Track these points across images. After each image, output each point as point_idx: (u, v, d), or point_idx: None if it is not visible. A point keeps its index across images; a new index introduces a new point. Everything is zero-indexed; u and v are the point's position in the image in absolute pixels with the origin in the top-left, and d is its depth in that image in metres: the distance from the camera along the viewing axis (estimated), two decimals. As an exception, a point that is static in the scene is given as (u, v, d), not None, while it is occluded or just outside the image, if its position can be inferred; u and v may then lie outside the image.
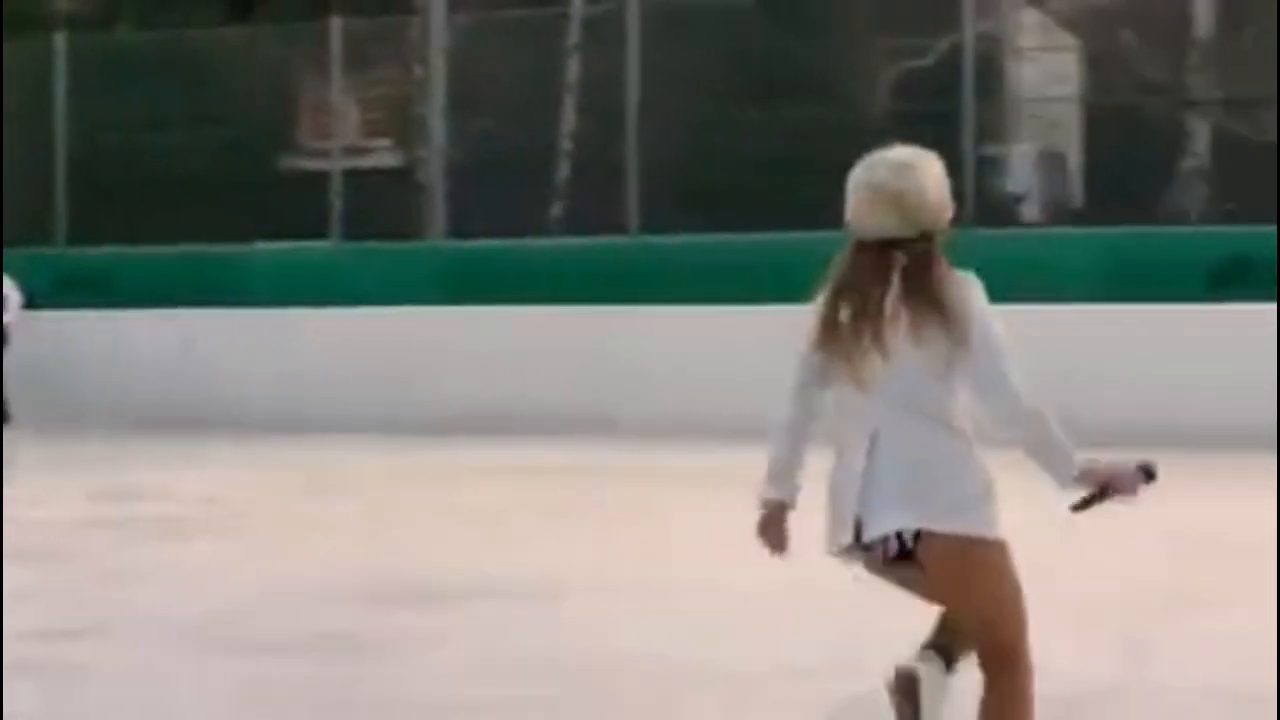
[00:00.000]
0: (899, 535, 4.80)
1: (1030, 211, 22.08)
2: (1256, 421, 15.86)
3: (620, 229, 19.37)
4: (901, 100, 20.71)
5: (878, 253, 4.91)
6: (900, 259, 4.87)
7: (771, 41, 20.48)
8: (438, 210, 20.90)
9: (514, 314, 18.65)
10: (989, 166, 21.17)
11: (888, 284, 4.86)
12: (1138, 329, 16.75)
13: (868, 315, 4.85)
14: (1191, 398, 16.24)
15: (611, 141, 19.69)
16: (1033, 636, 4.94)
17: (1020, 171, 22.00)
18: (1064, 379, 16.43)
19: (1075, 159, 22.10)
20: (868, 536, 4.85)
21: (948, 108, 18.66)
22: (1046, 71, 21.78)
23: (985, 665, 4.95)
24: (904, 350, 4.79)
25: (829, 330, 4.93)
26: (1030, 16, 22.26)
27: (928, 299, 4.82)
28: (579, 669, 7.39)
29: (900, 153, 5.04)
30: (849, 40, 21.58)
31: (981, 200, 19.32)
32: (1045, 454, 4.78)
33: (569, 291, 18.58)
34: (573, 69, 21.07)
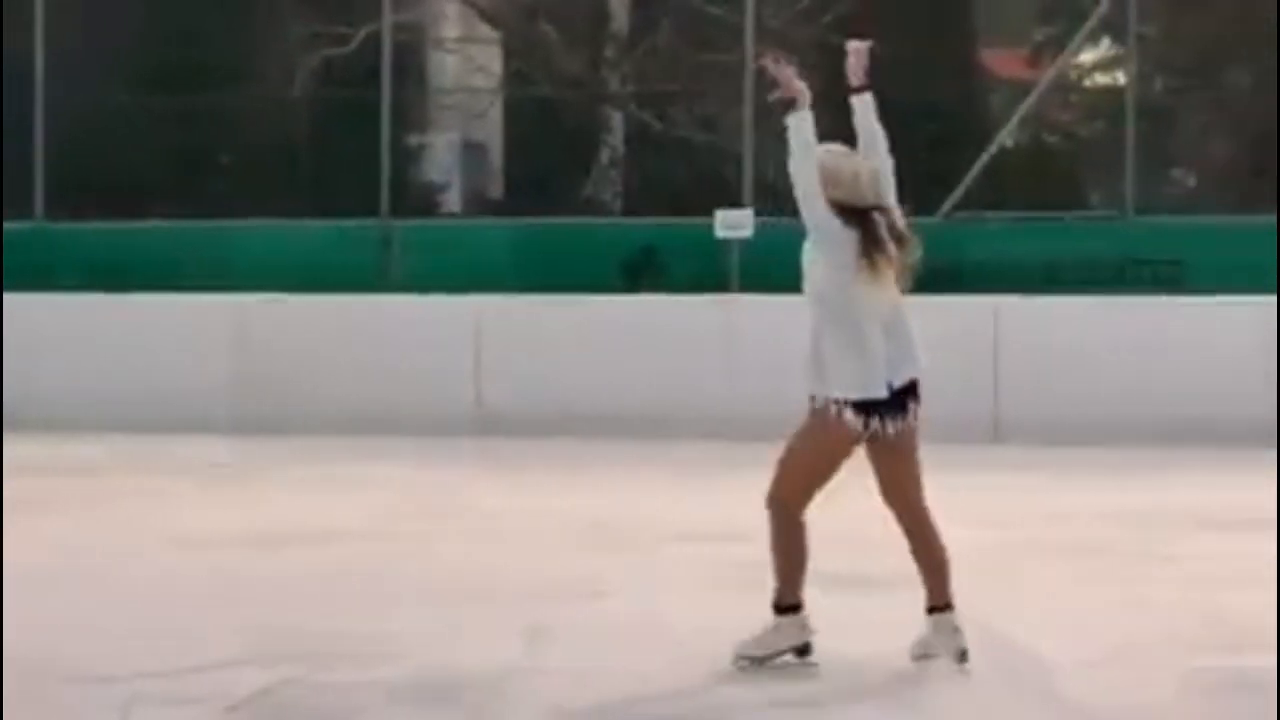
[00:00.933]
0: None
1: (451, 202, 22.19)
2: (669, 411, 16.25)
3: (27, 216, 18.67)
4: (322, 88, 20.54)
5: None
6: None
7: (189, 24, 20.06)
8: None
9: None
10: (409, 156, 21.18)
11: None
12: (551, 319, 16.93)
13: None
14: (614, 385, 16.52)
15: (18, 127, 18.96)
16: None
17: (441, 162, 22.07)
18: (475, 369, 16.73)
19: (496, 150, 22.29)
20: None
21: (368, 96, 18.57)
22: (467, 62, 21.91)
23: None
24: None
25: None
26: (451, 7, 22.34)
27: None
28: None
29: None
30: (268, 25, 21.29)
31: (401, 190, 19.31)
32: None
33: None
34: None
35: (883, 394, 7.07)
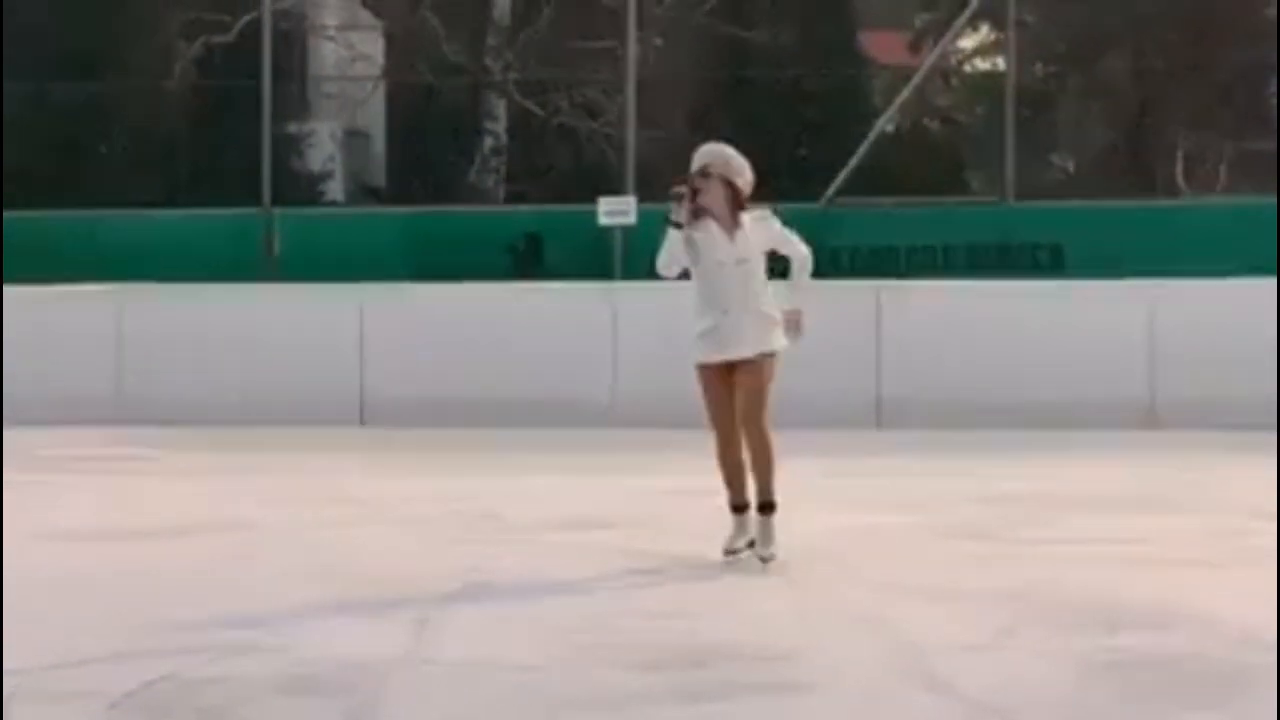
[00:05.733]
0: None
1: (333, 190, 22.09)
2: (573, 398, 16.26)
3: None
4: (202, 76, 20.40)
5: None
6: None
7: (67, 13, 19.88)
8: None
9: None
10: (291, 145, 21.07)
11: None
12: (435, 307, 16.88)
13: None
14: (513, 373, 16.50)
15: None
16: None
17: (322, 150, 21.97)
18: (359, 357, 16.67)
19: (378, 138, 22.22)
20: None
21: (248, 85, 18.45)
22: (348, 50, 21.82)
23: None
24: None
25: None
26: (332, -5, 22.26)
27: None
28: None
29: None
30: (147, 13, 21.12)
31: (283, 179, 19.21)
32: None
33: None
34: None
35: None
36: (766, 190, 18.69)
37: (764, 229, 9.12)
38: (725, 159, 9.03)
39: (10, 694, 6.38)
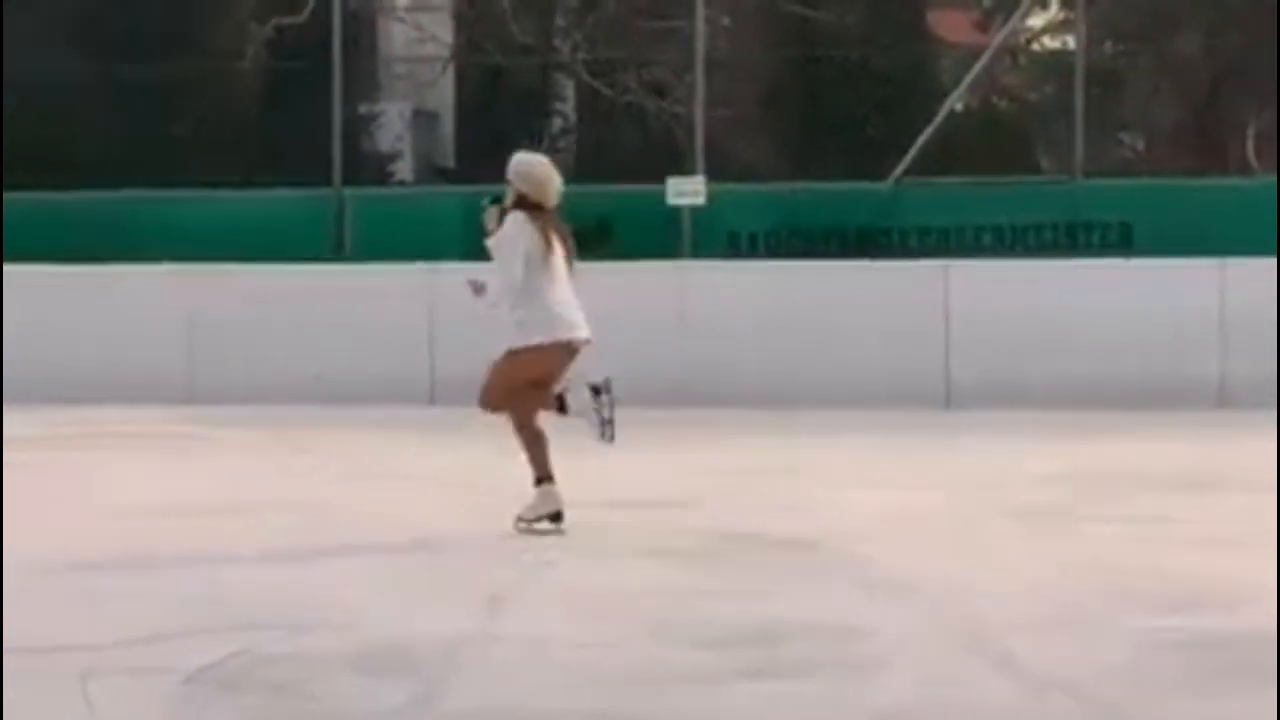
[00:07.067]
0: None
1: (402, 170, 22.18)
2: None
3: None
4: (273, 57, 20.50)
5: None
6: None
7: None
8: None
9: None
10: (361, 125, 21.16)
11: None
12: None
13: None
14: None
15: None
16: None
17: (392, 130, 22.05)
18: (430, 337, 16.74)
19: (447, 118, 22.28)
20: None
21: (319, 66, 18.54)
22: (418, 31, 21.89)
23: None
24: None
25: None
26: (400, -24, 22.33)
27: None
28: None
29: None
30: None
31: (353, 159, 19.30)
32: None
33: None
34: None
35: None
36: (834, 169, 18.69)
37: None
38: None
39: (87, 670, 6.48)
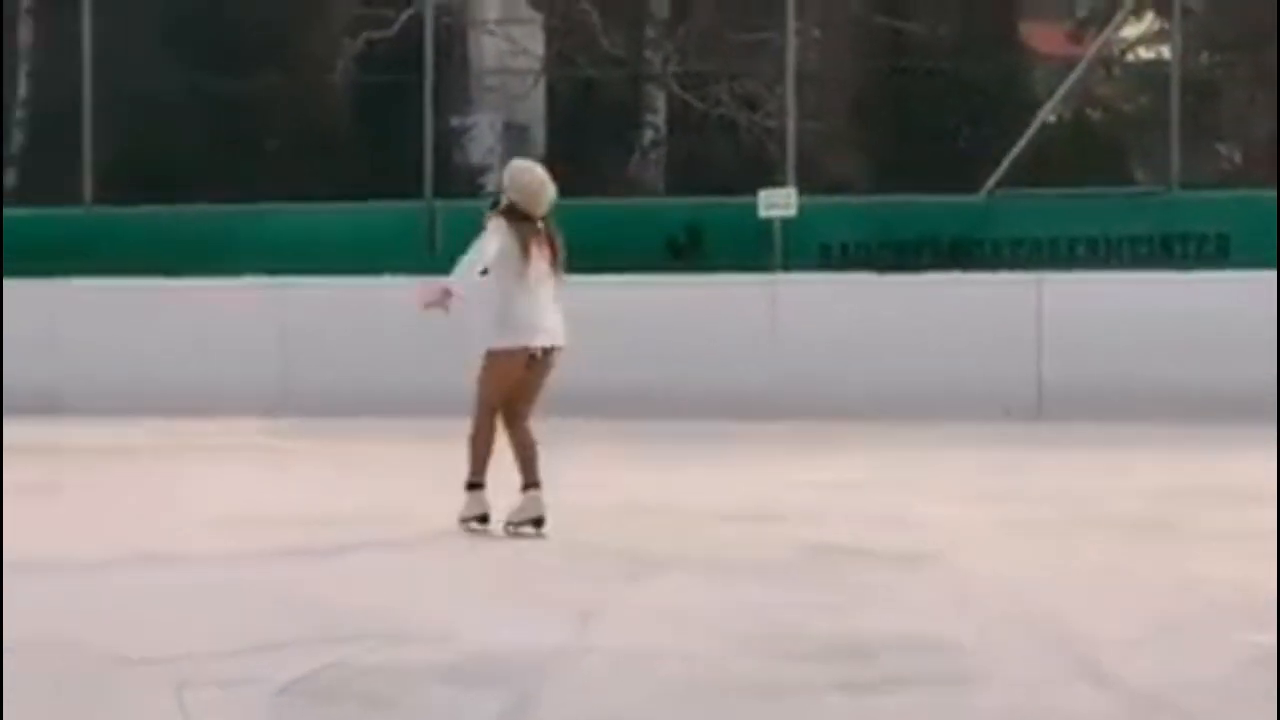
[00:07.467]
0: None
1: (493, 183, 22.19)
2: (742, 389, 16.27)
3: (76, 201, 18.79)
4: (364, 71, 20.58)
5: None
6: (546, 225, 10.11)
7: (232, 8, 20.13)
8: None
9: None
10: (452, 138, 21.21)
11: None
12: (595, 299, 16.92)
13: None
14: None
15: (66, 110, 19.06)
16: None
17: (483, 143, 22.09)
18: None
19: (538, 131, 22.29)
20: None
21: (410, 79, 18.61)
22: (509, 44, 21.91)
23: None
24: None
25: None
26: (492, -11, 22.37)
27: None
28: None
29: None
30: (311, 9, 21.35)
31: (444, 172, 19.35)
32: None
33: (21, 264, 17.88)
34: (25, 34, 20.35)
35: None
36: (925, 181, 18.60)
37: None
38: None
39: (182, 681, 6.49)
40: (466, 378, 10.30)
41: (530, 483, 9.93)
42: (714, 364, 16.49)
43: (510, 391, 10.08)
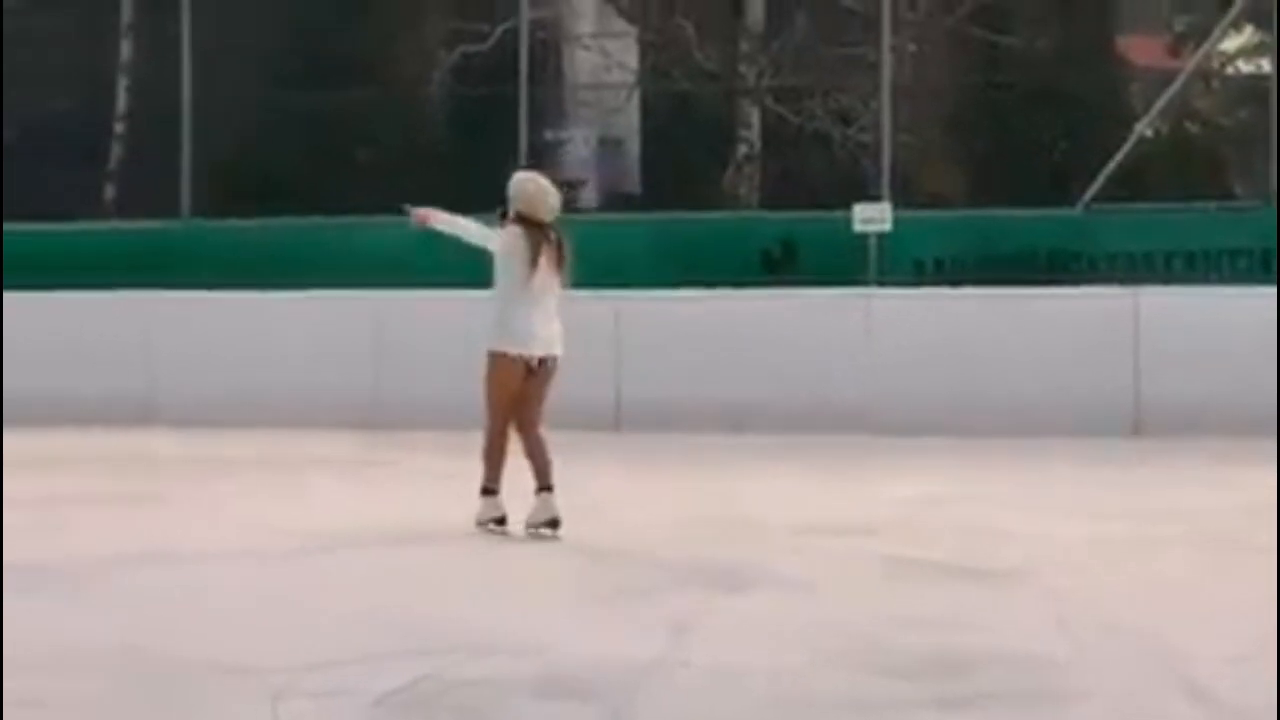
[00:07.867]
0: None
1: (588, 197, 22.23)
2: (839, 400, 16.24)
3: (173, 213, 18.94)
4: (459, 84, 20.66)
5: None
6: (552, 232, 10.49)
7: (327, 22, 20.24)
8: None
9: (63, 300, 18.02)
10: (546, 152, 21.25)
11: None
12: (690, 314, 16.94)
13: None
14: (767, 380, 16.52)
15: (164, 124, 19.23)
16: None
17: (578, 157, 22.13)
18: (615, 364, 16.77)
19: (633, 145, 22.31)
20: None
21: (504, 93, 18.66)
22: (603, 58, 21.95)
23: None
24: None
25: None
26: (587, 3, 22.40)
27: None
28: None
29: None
30: (406, 23, 21.45)
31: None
32: None
33: (119, 276, 18.03)
34: (125, 49, 20.54)
35: None
36: (1021, 195, 18.50)
37: None
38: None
39: (277, 693, 6.52)
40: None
41: (543, 486, 10.29)
42: (808, 378, 16.46)
43: (514, 400, 10.44)
